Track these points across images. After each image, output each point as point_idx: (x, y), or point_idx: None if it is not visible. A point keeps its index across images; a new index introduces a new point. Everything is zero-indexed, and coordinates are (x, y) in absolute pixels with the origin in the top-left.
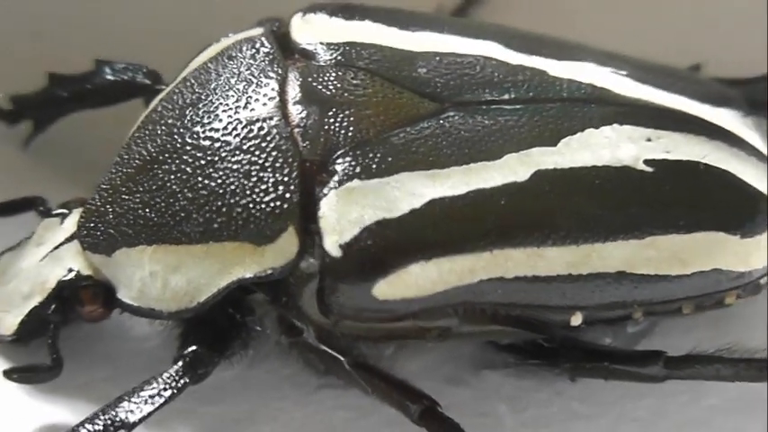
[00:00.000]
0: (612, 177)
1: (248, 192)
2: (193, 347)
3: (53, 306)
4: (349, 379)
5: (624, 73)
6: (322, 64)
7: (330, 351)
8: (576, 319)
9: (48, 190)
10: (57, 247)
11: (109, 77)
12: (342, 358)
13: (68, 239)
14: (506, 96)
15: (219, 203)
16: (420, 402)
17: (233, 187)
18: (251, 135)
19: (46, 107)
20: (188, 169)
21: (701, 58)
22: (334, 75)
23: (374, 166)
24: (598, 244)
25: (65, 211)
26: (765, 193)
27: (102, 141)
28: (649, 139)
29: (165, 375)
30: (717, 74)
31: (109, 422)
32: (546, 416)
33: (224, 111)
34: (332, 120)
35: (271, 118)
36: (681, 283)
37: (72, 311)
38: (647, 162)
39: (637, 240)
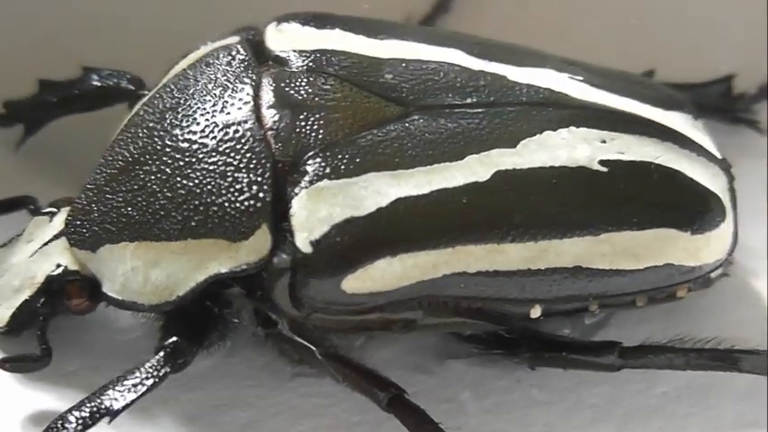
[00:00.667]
0: (569, 177)
1: (224, 191)
2: (174, 339)
3: (42, 299)
4: (321, 368)
5: (580, 78)
6: (294, 70)
7: (303, 342)
8: (535, 312)
9: (38, 190)
10: (46, 244)
11: (95, 83)
12: (314, 348)
13: (56, 236)
14: (468, 100)
15: (197, 202)
16: (388, 390)
17: (209, 187)
18: (227, 137)
19: (36, 111)
20: (167, 170)
21: (655, 64)
22: (305, 80)
23: (342, 166)
24: (555, 240)
25: (53, 209)
26: (714, 191)
27: (89, 144)
28: (604, 141)
29: (147, 365)
30: (668, 79)
31: (95, 409)
32: (507, 402)
33: (201, 114)
34: (303, 123)
35: (245, 121)
36: (634, 277)
37: (60, 304)
38: (601, 162)
39: (592, 237)
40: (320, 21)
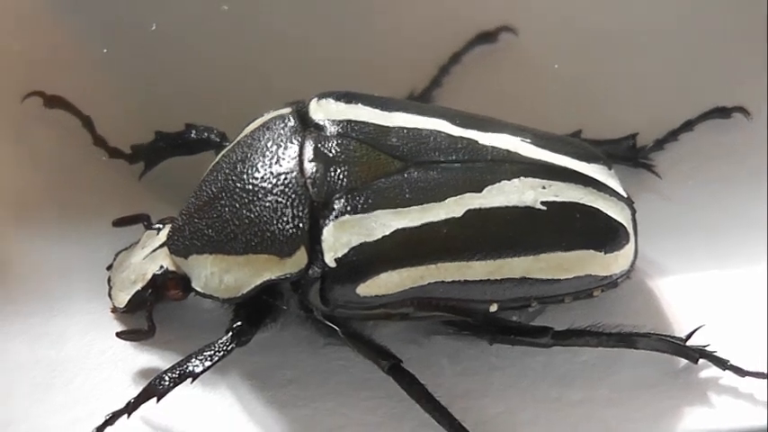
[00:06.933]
0: (519, 214)
1: (275, 221)
2: (239, 322)
3: (150, 290)
4: (343, 342)
5: (528, 140)
6: (328, 135)
7: (331, 324)
8: (493, 308)
9: (151, 210)
10: (154, 251)
11: (193, 135)
12: (338, 329)
13: (161, 246)
14: (450, 158)
15: (256, 229)
16: (389, 360)
17: (265, 218)
18: (278, 182)
19: (153, 153)
20: (236, 204)
21: (581, 125)
22: (335, 142)
23: (359, 205)
24: (508, 259)
25: (160, 225)
26: (622, 222)
27: (187, 178)
28: (544, 187)
29: (219, 342)
30: (591, 136)
31: (182, 372)
32: (474, 366)
33: (261, 165)
34: (332, 173)
35: (292, 171)
36: (563, 284)
37: (162, 294)
38: (542, 203)
39: (534, 256)
40: (348, 97)
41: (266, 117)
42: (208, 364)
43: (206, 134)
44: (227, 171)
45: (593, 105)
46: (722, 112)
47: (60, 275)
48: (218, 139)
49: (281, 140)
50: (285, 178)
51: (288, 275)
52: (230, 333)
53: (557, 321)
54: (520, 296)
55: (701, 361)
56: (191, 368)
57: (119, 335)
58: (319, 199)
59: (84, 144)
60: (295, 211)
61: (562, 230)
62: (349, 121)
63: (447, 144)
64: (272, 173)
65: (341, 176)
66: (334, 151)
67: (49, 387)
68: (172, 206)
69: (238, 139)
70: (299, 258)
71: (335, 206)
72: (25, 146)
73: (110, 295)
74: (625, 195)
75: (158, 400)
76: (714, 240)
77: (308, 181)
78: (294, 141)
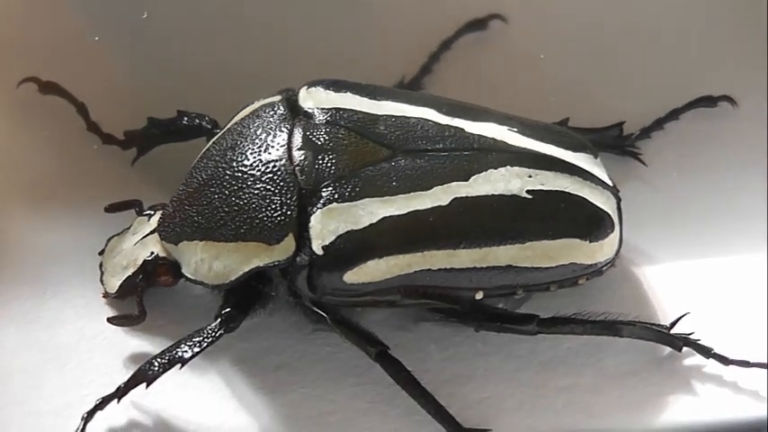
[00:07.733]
0: (505, 202)
1: (264, 209)
2: (228, 309)
3: (140, 276)
4: (331, 328)
5: (515, 129)
6: (317, 122)
7: (319, 311)
8: (479, 295)
9: (144, 196)
10: (145, 237)
11: (185, 122)
12: (326, 315)
13: (152, 232)
14: (437, 146)
15: (245, 216)
16: (376, 346)
17: (254, 205)
18: (267, 170)
19: (145, 139)
20: (226, 191)
21: (569, 113)
22: (324, 130)
23: (347, 193)
24: (494, 247)
25: (151, 212)
26: (607, 211)
27: (179, 165)
28: (530, 176)
29: (208, 328)
30: (578, 124)
31: (171, 358)
32: (460, 352)
33: (251, 153)
34: (321, 161)
35: (281, 159)
36: (549, 273)
37: (153, 280)
38: (528, 191)
39: (520, 244)
40: (337, 85)
41: (256, 105)
42: (197, 349)
43: (197, 121)
44: (216, 158)
45: (580, 94)
46: (708, 101)
47: (53, 260)
48: (210, 126)
49: (271, 128)
50: (274, 166)
51: (276, 262)
52: (219, 319)
53: (542, 309)
54: (506, 284)
55: (684, 349)
56: (180, 354)
57: (110, 320)
58: (308, 186)
59: (77, 130)
60: (283, 199)
61: (548, 219)
62: (338, 110)
63: (434, 132)
64: (261, 160)
65: (329, 164)
66: (322, 139)
67: (41, 372)
68: (163, 192)
69: (228, 126)
70: (287, 245)
71: (323, 194)
72: (19, 132)
73: (101, 281)
74: (611, 184)
75: (148, 386)
76: (699, 229)
77: (297, 169)
78: (283, 129)
